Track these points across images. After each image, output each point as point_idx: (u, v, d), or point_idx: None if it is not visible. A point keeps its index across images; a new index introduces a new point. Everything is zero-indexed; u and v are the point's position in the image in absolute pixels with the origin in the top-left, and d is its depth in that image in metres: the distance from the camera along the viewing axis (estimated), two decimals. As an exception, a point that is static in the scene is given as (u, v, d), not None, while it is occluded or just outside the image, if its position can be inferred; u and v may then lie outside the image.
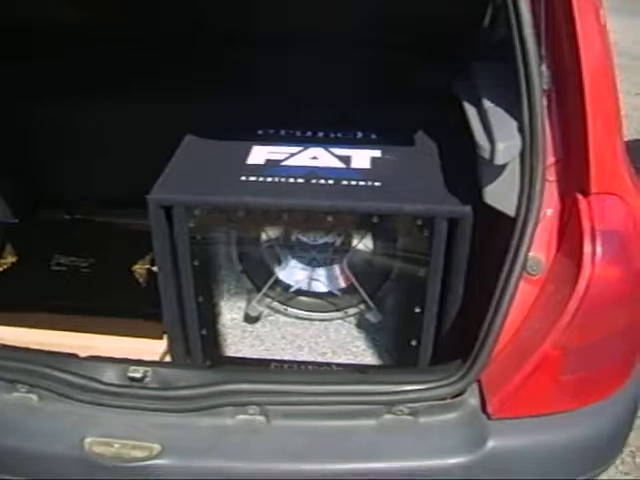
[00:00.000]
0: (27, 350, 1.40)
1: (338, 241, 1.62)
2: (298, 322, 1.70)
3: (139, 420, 1.30)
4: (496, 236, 1.33)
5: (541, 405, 1.30)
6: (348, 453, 1.29)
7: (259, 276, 1.65)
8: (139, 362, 1.36)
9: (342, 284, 1.66)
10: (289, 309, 1.70)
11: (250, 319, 1.69)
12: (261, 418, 1.31)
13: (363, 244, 1.59)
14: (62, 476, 1.29)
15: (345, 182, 1.42)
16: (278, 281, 1.65)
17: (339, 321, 1.70)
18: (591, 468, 1.35)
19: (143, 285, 1.68)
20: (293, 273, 1.65)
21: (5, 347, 1.41)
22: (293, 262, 1.64)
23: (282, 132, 1.60)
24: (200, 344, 1.53)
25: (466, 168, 1.41)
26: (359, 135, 1.59)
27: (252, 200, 1.38)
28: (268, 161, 1.48)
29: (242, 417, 1.31)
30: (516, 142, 1.24)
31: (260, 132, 1.59)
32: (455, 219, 1.36)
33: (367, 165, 1.47)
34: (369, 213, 1.39)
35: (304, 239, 1.62)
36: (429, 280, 1.42)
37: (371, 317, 1.64)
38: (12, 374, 1.34)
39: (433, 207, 1.36)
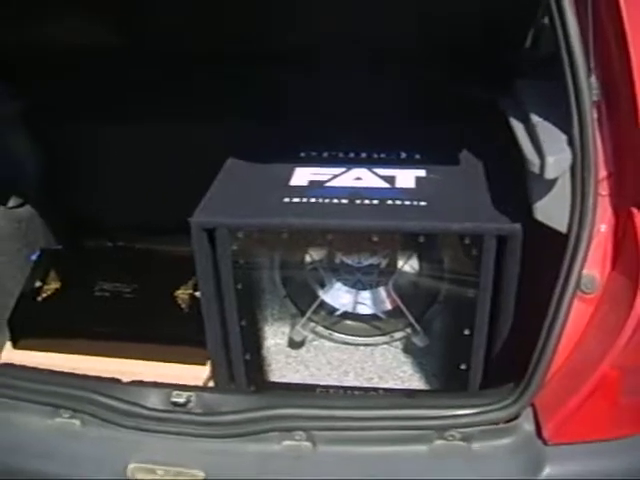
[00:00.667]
0: (70, 375, 1.39)
1: (383, 263, 1.59)
2: (343, 347, 1.67)
3: (183, 446, 1.28)
4: (547, 254, 1.29)
5: (600, 430, 1.24)
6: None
7: (303, 300, 1.63)
8: (183, 387, 1.34)
9: (388, 307, 1.63)
10: (334, 334, 1.66)
11: (294, 344, 1.66)
12: (307, 444, 1.27)
13: (409, 265, 1.56)
14: (106, 503, 1.27)
15: (390, 202, 1.39)
16: (322, 305, 1.63)
17: (385, 346, 1.66)
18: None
19: (186, 310, 1.67)
20: (338, 296, 1.63)
21: (48, 372, 1.40)
22: (338, 285, 1.61)
23: (325, 154, 1.58)
24: (244, 369, 1.51)
25: (514, 185, 1.37)
26: (402, 155, 1.57)
27: (296, 221, 1.36)
28: (311, 182, 1.47)
29: (288, 443, 1.27)
30: (566, 155, 1.20)
31: (303, 154, 1.58)
32: (504, 237, 1.32)
33: (412, 185, 1.45)
34: (415, 233, 1.36)
35: (348, 261, 1.60)
36: (478, 300, 1.38)
37: (418, 341, 1.60)
38: (55, 399, 1.32)
39: (481, 225, 1.32)
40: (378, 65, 1.66)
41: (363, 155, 1.57)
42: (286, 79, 1.69)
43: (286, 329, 1.68)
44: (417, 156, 1.56)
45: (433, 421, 1.25)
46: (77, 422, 1.32)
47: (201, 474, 1.25)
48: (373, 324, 1.65)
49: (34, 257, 1.80)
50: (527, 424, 1.25)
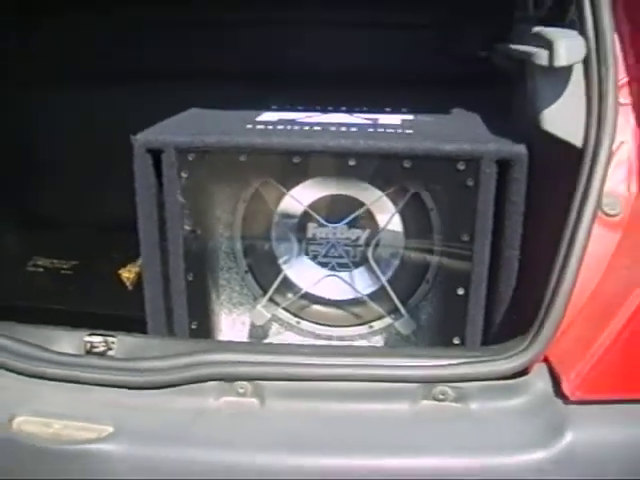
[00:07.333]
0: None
1: (362, 236, 1.35)
2: (312, 342, 1.38)
3: (92, 398, 0.98)
4: (559, 182, 1.06)
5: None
6: (370, 445, 0.93)
7: (267, 277, 1.36)
8: (102, 332, 1.06)
9: (367, 290, 1.36)
10: (302, 322, 1.38)
11: (255, 334, 1.37)
12: (252, 400, 0.97)
13: (391, 233, 1.31)
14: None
15: (371, 130, 1.18)
16: (289, 285, 1.36)
17: (363, 341, 1.38)
18: None
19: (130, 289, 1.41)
20: (306, 274, 1.36)
21: None
22: (306, 260, 1.36)
23: (300, 107, 1.39)
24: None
25: (514, 118, 1.17)
26: (387, 109, 1.37)
27: (259, 140, 1.14)
28: (281, 120, 1.27)
29: (228, 399, 0.97)
30: (579, 42, 1.01)
31: (274, 107, 1.39)
32: (507, 160, 1.09)
33: (397, 122, 1.25)
34: (400, 156, 1.13)
35: (322, 233, 1.35)
36: (474, 245, 1.13)
37: (402, 327, 1.32)
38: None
39: (479, 146, 1.10)
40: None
41: (343, 108, 1.37)
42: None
43: (246, 319, 1.40)
44: (404, 109, 1.36)
45: (418, 371, 0.96)
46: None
47: (109, 429, 0.94)
48: (349, 311, 1.38)
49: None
50: (541, 380, 0.97)
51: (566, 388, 0.93)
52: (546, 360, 0.98)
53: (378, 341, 1.36)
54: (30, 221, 1.68)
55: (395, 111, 1.35)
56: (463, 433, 0.94)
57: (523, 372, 0.97)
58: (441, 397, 0.96)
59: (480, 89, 1.39)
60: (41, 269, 1.48)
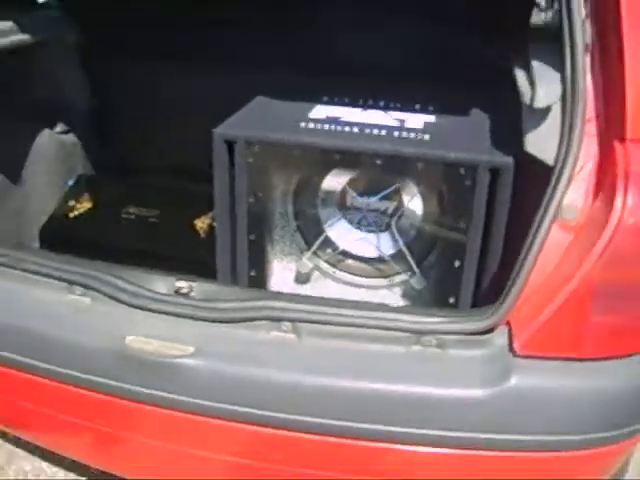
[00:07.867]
0: (84, 259, 1.52)
1: (390, 208, 1.70)
2: (345, 289, 1.76)
3: (179, 326, 1.39)
4: (537, 190, 1.38)
5: (571, 347, 1.30)
6: (373, 374, 1.32)
7: (312, 235, 1.73)
8: (187, 277, 1.46)
9: (390, 251, 1.72)
10: (337, 272, 1.76)
11: (300, 279, 1.76)
12: (292, 336, 1.36)
13: (412, 209, 1.66)
14: (103, 368, 1.38)
15: (396, 133, 1.51)
16: (329, 243, 1.73)
17: (385, 291, 1.75)
18: (613, 427, 1.32)
19: (203, 237, 1.80)
20: (343, 234, 1.73)
21: (67, 255, 1.54)
22: (344, 223, 1.72)
23: (346, 100, 1.72)
24: (247, 285, 1.62)
25: (515, 129, 1.48)
26: (417, 107, 1.69)
27: (307, 139, 1.49)
28: (328, 117, 1.60)
29: (275, 333, 1.37)
30: (556, 87, 1.31)
31: (325, 99, 1.72)
32: (497, 169, 1.42)
33: (420, 126, 1.57)
34: (415, 158, 1.47)
35: (358, 203, 1.71)
36: (469, 231, 1.47)
37: (415, 283, 1.69)
38: (71, 277, 1.45)
39: (476, 156, 1.42)
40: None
41: (381, 104, 1.70)
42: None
43: (293, 266, 1.78)
44: (430, 108, 1.68)
45: (412, 324, 1.33)
46: (88, 299, 1.44)
47: (191, 349, 1.35)
48: (375, 267, 1.75)
49: (71, 182, 1.96)
50: (501, 338, 1.33)
51: (516, 345, 1.29)
52: (508, 323, 1.34)
53: (397, 292, 1.74)
54: (125, 171, 2.08)
55: (422, 110, 1.66)
56: (440, 371, 1.31)
57: (490, 330, 1.34)
58: (427, 344, 1.33)
59: (498, 91, 1.68)
60: (133, 216, 1.86)
